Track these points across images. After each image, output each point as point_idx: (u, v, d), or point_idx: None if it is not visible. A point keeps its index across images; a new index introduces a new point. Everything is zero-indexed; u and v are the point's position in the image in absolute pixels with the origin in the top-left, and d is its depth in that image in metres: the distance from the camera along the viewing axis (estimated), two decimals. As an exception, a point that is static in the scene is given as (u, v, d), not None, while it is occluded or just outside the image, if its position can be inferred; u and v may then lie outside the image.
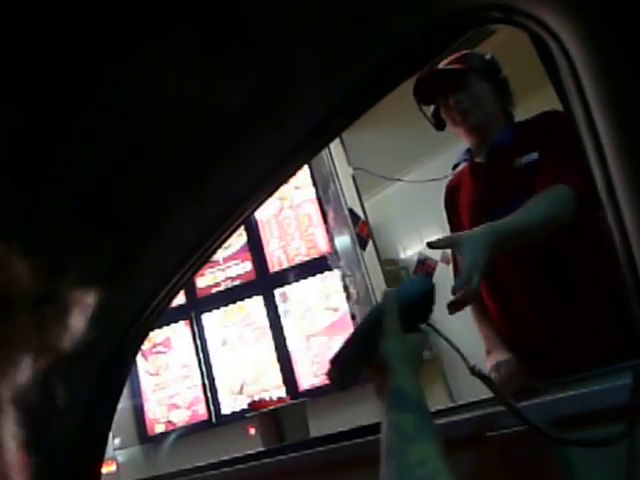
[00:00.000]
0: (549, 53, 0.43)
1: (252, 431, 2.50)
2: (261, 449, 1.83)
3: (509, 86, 1.70)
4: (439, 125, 1.75)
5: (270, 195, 0.81)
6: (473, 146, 1.70)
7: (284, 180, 0.79)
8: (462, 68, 1.63)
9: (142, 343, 0.94)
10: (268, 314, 3.53)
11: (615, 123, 0.39)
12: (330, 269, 3.30)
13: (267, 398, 2.27)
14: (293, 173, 0.79)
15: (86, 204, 0.67)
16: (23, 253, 0.66)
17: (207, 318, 3.76)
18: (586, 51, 0.39)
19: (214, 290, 3.76)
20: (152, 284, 0.81)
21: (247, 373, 3.57)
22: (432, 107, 1.73)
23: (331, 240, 3.30)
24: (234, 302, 3.69)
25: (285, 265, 3.55)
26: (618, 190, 0.40)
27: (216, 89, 0.57)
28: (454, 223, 1.73)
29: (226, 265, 3.73)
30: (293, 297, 3.49)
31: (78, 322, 0.80)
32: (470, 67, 1.64)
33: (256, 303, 3.60)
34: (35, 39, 0.52)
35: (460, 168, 1.78)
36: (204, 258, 0.82)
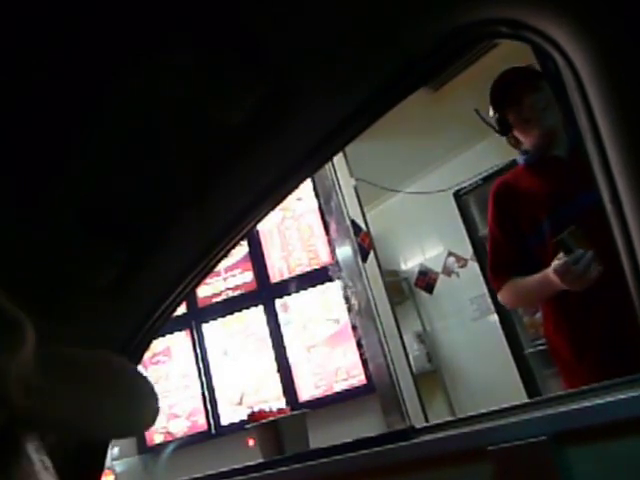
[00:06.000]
0: (555, 67, 0.43)
1: (252, 442, 2.49)
2: (261, 460, 1.82)
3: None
4: (504, 130, 1.84)
5: (273, 208, 0.81)
6: (538, 147, 1.76)
7: (288, 193, 0.79)
8: (537, 70, 1.71)
9: (144, 352, 0.94)
10: (269, 324, 3.52)
11: (621, 136, 0.39)
12: (331, 280, 3.29)
13: (267, 409, 2.26)
14: (297, 185, 0.79)
15: (91, 216, 0.67)
16: (27, 264, 0.66)
17: (207, 328, 3.75)
18: (593, 65, 0.39)
19: (215, 300, 3.75)
20: (155, 295, 0.81)
21: (247, 383, 3.56)
22: (496, 115, 1.83)
23: (332, 251, 3.30)
24: (235, 312, 3.68)
25: (286, 275, 3.55)
26: (624, 202, 0.40)
27: (222, 103, 0.57)
28: (513, 215, 1.77)
29: (227, 275, 3.73)
30: (294, 307, 3.48)
31: (81, 331, 0.80)
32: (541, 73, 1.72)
33: (257, 313, 3.59)
34: (38, 51, 0.52)
35: (513, 169, 1.90)
36: (207, 269, 0.82)
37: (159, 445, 3.75)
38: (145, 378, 0.65)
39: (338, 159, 3.21)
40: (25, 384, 0.44)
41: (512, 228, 1.77)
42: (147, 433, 3.83)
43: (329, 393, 3.27)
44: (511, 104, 1.76)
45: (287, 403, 3.23)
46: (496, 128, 1.85)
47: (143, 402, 0.61)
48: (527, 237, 1.73)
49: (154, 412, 0.63)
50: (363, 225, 3.27)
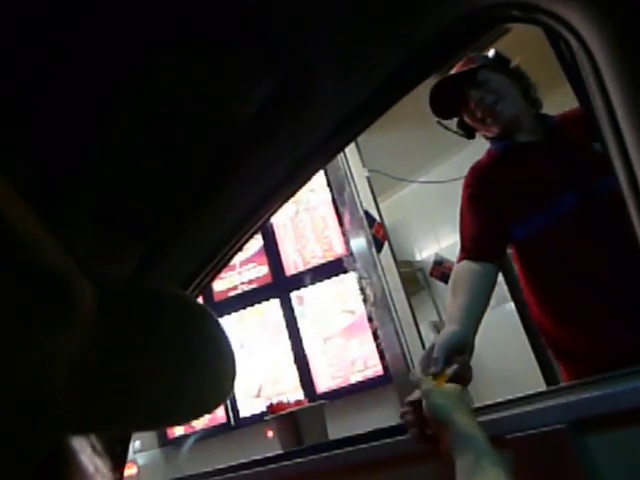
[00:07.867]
0: (569, 50, 0.42)
1: (270, 434, 2.50)
2: (280, 452, 1.83)
3: (525, 74, 1.68)
4: (469, 134, 1.75)
5: (286, 201, 0.81)
6: (503, 136, 1.66)
7: (300, 186, 0.79)
8: (472, 67, 1.62)
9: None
10: (285, 317, 3.53)
11: (639, 119, 0.38)
12: (346, 271, 3.30)
13: (285, 401, 2.28)
14: (310, 177, 0.79)
15: (104, 211, 0.68)
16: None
17: (224, 321, 3.75)
18: (608, 47, 0.38)
19: (231, 294, 3.78)
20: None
21: (265, 376, 3.58)
22: (454, 120, 1.73)
23: (347, 242, 3.30)
24: (251, 305, 3.70)
25: (301, 268, 3.55)
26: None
27: (234, 94, 0.57)
28: (485, 199, 1.66)
29: (242, 269, 3.75)
30: (309, 300, 3.49)
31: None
32: (478, 65, 1.63)
33: (273, 306, 3.61)
34: (54, 48, 0.53)
35: (481, 157, 1.76)
36: (222, 263, 0.82)
37: (180, 438, 3.80)
38: (221, 325, 0.42)
39: (350, 150, 3.20)
40: (77, 373, 0.30)
41: (482, 210, 1.65)
42: (167, 426, 3.87)
43: (346, 384, 3.28)
44: (460, 111, 1.67)
45: (305, 394, 3.25)
46: (461, 134, 1.75)
47: (225, 367, 0.41)
48: (495, 222, 1.62)
49: (232, 381, 0.42)
50: (377, 216, 3.26)
